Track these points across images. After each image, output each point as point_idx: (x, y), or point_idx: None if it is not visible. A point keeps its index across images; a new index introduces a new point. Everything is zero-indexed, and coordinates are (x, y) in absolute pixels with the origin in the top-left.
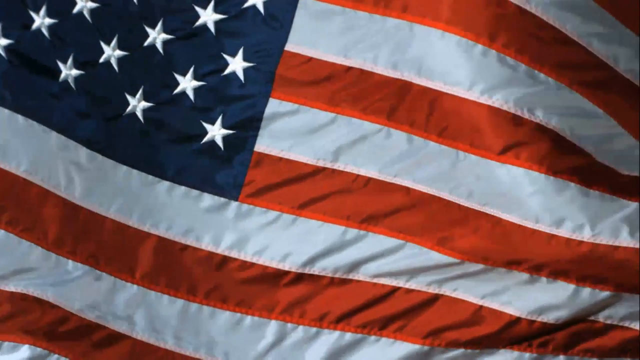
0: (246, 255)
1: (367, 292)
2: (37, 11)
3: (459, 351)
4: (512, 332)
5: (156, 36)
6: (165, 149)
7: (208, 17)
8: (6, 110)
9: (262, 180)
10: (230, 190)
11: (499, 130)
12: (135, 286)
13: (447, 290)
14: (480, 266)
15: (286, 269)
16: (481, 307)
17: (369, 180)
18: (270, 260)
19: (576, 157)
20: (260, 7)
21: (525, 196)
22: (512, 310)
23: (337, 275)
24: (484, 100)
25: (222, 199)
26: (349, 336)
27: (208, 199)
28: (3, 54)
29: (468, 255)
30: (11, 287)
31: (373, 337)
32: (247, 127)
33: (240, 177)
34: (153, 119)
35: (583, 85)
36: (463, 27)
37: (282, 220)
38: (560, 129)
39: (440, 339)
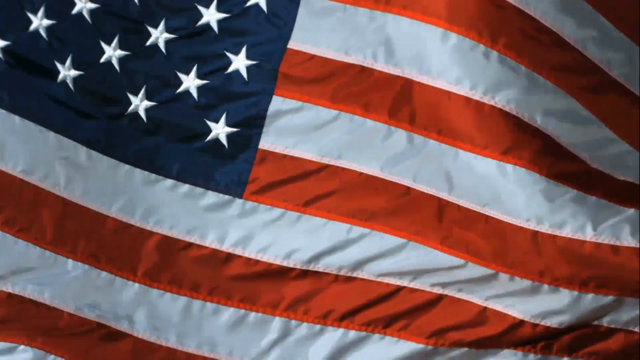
0: (251, 253)
1: (371, 290)
2: (34, 12)
3: (463, 350)
4: (516, 334)
5: (158, 35)
6: (168, 147)
7: (211, 16)
8: (3, 111)
9: (267, 178)
10: (234, 187)
11: (500, 130)
12: (136, 284)
13: (450, 291)
14: (483, 270)
15: (291, 265)
16: (485, 308)
17: (371, 178)
18: (274, 257)
19: (572, 162)
20: (263, 5)
21: (527, 197)
22: (516, 313)
23: (341, 273)
24: (486, 100)
25: (227, 197)
26: (352, 334)
27: (212, 197)
28: (0, 55)
29: (471, 256)
30: (8, 287)
31: (377, 336)
32: (251, 125)
33: (245, 174)
34: (156, 118)
35: (578, 90)
36: (465, 27)
37: (287, 218)
38: (558, 134)
39: (444, 338)
